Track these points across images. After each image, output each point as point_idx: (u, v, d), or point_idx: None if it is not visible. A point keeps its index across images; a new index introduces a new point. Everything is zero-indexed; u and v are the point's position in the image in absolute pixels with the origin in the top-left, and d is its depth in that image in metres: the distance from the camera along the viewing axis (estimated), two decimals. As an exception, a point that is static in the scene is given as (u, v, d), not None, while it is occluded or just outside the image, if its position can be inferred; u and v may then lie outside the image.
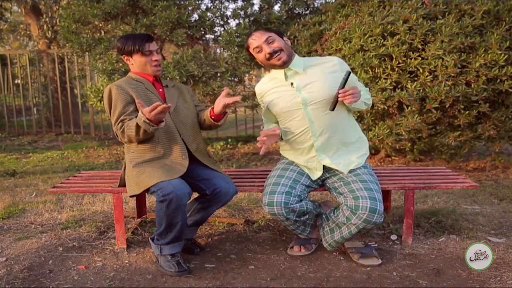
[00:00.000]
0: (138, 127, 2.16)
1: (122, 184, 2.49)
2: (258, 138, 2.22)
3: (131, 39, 2.36)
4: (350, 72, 2.19)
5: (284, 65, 2.29)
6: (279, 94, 2.32)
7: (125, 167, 2.44)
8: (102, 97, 2.37)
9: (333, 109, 2.20)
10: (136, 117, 2.18)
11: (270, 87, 2.37)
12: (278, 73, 2.35)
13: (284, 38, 2.33)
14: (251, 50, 2.34)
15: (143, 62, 2.37)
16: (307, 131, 2.30)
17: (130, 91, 2.31)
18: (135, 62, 2.38)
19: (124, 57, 2.41)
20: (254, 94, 5.44)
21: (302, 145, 2.35)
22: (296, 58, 2.33)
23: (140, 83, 2.38)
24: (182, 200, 2.16)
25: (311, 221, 2.44)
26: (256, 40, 2.28)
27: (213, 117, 2.39)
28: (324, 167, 2.38)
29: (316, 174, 2.38)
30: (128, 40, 2.36)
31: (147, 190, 2.24)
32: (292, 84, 2.30)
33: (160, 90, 2.43)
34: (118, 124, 2.28)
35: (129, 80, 2.39)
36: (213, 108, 2.37)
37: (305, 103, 2.26)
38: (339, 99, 2.18)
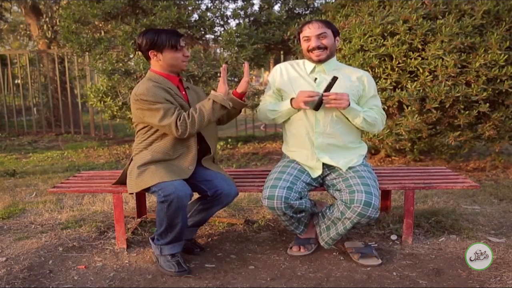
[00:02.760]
0: (222, 107, 2.18)
1: (122, 179, 2.47)
2: (307, 96, 2.23)
3: (163, 34, 2.25)
4: (336, 78, 2.21)
5: (319, 62, 2.35)
6: (298, 85, 2.36)
7: (129, 163, 2.43)
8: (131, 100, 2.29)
9: (316, 108, 2.24)
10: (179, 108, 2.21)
11: (292, 72, 2.42)
12: (308, 65, 2.41)
13: (336, 38, 2.38)
14: (300, 35, 2.38)
15: (175, 57, 2.28)
16: (312, 127, 2.35)
17: (166, 96, 2.22)
18: (165, 58, 2.27)
19: (151, 52, 2.28)
20: (254, 94, 5.48)
21: (304, 140, 2.38)
22: (333, 59, 2.40)
23: (169, 89, 2.27)
24: (183, 201, 2.16)
25: (305, 219, 2.46)
26: (311, 30, 2.32)
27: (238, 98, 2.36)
28: (324, 165, 2.40)
29: (316, 172, 2.40)
30: (160, 34, 2.25)
31: (148, 189, 2.24)
32: (315, 79, 2.35)
33: (183, 93, 2.38)
34: (177, 125, 2.17)
35: (156, 85, 2.25)
36: (235, 91, 2.36)
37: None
38: (323, 100, 2.21)
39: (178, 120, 2.18)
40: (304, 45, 2.36)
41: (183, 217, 2.22)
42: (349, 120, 2.37)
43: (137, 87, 2.25)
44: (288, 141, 2.50)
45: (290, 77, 2.41)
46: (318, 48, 2.30)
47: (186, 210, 2.22)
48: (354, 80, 2.37)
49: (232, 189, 2.34)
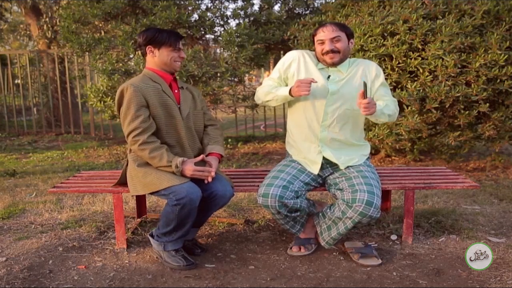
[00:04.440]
0: (167, 165, 2.21)
1: (123, 181, 2.48)
2: (305, 83, 2.22)
3: (165, 32, 2.31)
4: (365, 83, 2.21)
5: (333, 65, 2.35)
6: (313, 75, 2.35)
7: (127, 165, 2.44)
8: (116, 95, 2.34)
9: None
10: (151, 123, 2.25)
11: (309, 62, 2.41)
12: (321, 65, 2.41)
13: (350, 41, 2.38)
14: (315, 38, 2.38)
15: (170, 56, 2.31)
16: (318, 120, 2.36)
17: (146, 95, 2.26)
18: (160, 56, 2.31)
19: (148, 48, 2.32)
20: (254, 94, 5.46)
21: (309, 131, 2.39)
22: (346, 61, 2.40)
23: (158, 84, 2.32)
24: (195, 203, 2.19)
25: (302, 219, 2.47)
26: (325, 33, 2.32)
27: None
28: (328, 164, 2.41)
29: (315, 167, 2.40)
30: (161, 32, 2.31)
31: (155, 192, 2.25)
32: (329, 76, 2.36)
33: (176, 91, 2.39)
34: (133, 136, 2.24)
35: (146, 80, 2.32)
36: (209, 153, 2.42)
37: (332, 94, 2.33)
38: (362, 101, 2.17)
39: (137, 142, 2.23)
40: (318, 48, 2.36)
41: (193, 217, 2.25)
42: (359, 116, 2.38)
43: (130, 80, 2.33)
44: (292, 132, 2.50)
45: (307, 66, 2.40)
46: (332, 51, 2.31)
47: (196, 210, 2.24)
48: (362, 75, 2.37)
49: (227, 189, 2.34)
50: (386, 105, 2.36)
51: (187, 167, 2.23)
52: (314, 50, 2.44)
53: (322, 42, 2.32)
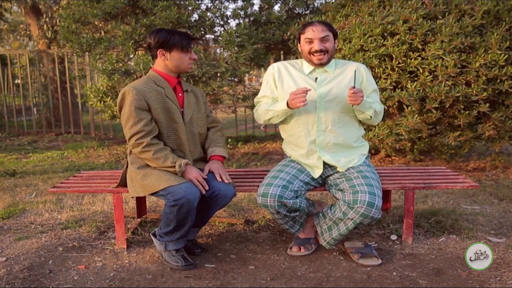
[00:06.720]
0: (171, 165, 2.22)
1: (123, 183, 2.48)
2: (302, 94, 2.20)
3: (177, 35, 2.28)
4: (355, 71, 2.27)
5: (320, 66, 2.34)
6: (300, 85, 2.33)
7: (127, 167, 2.44)
8: (119, 97, 2.32)
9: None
10: (153, 126, 2.26)
11: (293, 72, 2.40)
12: (306, 66, 2.39)
13: (336, 41, 2.37)
14: (302, 36, 2.35)
15: (182, 58, 2.30)
16: (313, 126, 2.35)
17: (148, 99, 2.25)
18: (172, 58, 2.29)
19: (159, 51, 2.28)
20: (254, 94, 5.48)
21: (305, 139, 2.38)
22: (332, 60, 2.39)
23: (161, 88, 2.30)
24: (193, 203, 2.18)
25: (301, 218, 2.47)
26: (315, 33, 2.30)
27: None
28: (326, 165, 2.40)
29: (317, 171, 2.40)
30: (173, 35, 2.27)
31: (154, 193, 2.25)
32: (316, 79, 2.34)
33: (180, 95, 2.38)
34: (136, 138, 2.23)
35: (149, 83, 2.30)
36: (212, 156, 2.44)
37: (321, 97, 2.31)
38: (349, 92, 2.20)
39: (141, 146, 2.23)
40: (305, 47, 2.33)
41: (192, 217, 2.25)
42: (353, 117, 2.38)
43: (133, 82, 2.32)
44: (288, 140, 2.50)
45: (291, 77, 2.39)
46: (321, 51, 2.29)
47: (195, 210, 2.24)
48: (352, 76, 2.34)
49: (229, 189, 2.34)
50: (374, 102, 2.36)
51: (191, 170, 2.25)
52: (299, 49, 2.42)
53: (311, 41, 2.31)
